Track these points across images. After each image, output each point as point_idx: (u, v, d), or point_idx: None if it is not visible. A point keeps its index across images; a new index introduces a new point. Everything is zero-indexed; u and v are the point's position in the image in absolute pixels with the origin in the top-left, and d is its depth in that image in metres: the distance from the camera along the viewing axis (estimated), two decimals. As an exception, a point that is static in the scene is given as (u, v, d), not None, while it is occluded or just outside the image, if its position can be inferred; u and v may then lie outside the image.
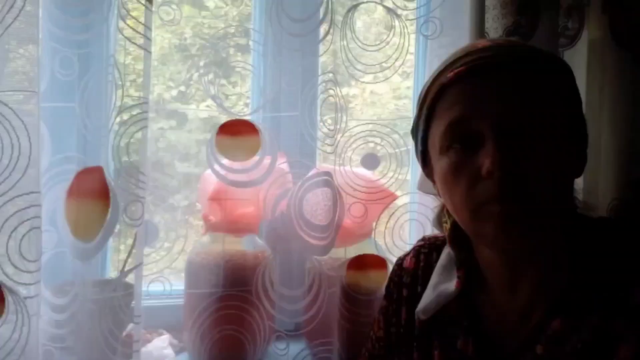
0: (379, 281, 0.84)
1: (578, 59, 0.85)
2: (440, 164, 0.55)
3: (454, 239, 0.61)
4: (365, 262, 0.83)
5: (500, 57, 0.53)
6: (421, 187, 0.68)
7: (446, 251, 0.64)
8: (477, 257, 0.60)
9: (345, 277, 0.82)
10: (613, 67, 0.84)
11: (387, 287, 0.69)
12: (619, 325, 0.49)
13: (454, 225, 0.60)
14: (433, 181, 0.60)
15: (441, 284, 0.60)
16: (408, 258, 0.68)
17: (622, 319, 0.49)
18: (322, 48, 0.83)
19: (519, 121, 0.51)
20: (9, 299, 0.66)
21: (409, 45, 0.84)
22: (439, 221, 0.65)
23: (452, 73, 0.54)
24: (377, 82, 0.88)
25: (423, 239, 0.70)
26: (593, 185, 0.83)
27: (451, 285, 0.59)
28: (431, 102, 0.56)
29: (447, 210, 0.61)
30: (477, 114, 0.52)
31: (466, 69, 0.53)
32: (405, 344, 0.64)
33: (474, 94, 0.52)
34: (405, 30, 0.83)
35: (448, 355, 0.59)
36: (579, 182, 0.60)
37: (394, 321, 0.66)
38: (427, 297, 0.61)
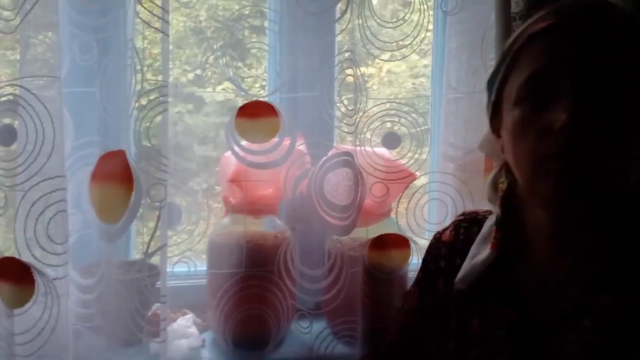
0: (401, 260, 0.84)
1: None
2: (512, 115, 0.54)
3: (505, 200, 0.60)
4: (387, 242, 0.83)
5: (597, 15, 0.51)
6: (482, 148, 0.68)
7: (489, 224, 0.63)
8: (526, 220, 0.59)
9: (368, 257, 0.83)
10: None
11: (424, 259, 0.70)
12: None
13: (510, 185, 0.60)
14: (498, 135, 0.60)
15: (479, 254, 0.61)
16: (447, 231, 0.68)
17: None
18: (338, 27, 0.82)
19: (604, 83, 0.49)
20: (38, 280, 0.68)
21: (427, 22, 0.82)
22: (494, 182, 0.64)
23: (544, 24, 0.52)
24: (394, 61, 0.87)
25: (463, 213, 0.70)
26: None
27: (486, 252, 0.59)
28: (517, 49, 0.55)
29: (506, 171, 0.61)
30: (561, 68, 0.51)
31: (558, 22, 0.52)
32: (441, 313, 0.64)
33: (559, 48, 0.51)
34: (424, 6, 0.82)
35: (487, 324, 0.59)
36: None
37: (430, 292, 0.67)
38: (465, 267, 0.61)
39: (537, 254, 0.58)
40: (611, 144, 0.50)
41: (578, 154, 0.49)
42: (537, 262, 0.58)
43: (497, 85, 0.58)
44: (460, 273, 0.61)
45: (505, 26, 0.79)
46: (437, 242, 0.69)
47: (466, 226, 0.67)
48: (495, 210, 0.62)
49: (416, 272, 0.73)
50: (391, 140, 0.84)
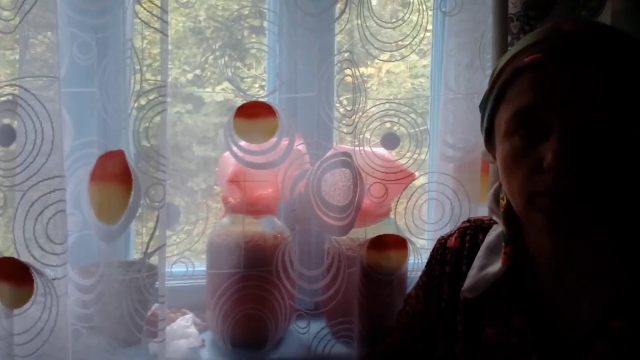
0: (399, 261, 0.84)
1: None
2: (502, 147, 0.55)
3: (508, 215, 0.60)
4: (385, 242, 0.83)
5: (584, 47, 0.50)
6: (485, 156, 0.68)
7: (494, 234, 0.63)
8: (527, 238, 0.59)
9: (366, 257, 0.83)
10: (638, 39, 0.82)
11: (429, 264, 0.70)
12: None
13: (509, 203, 0.59)
14: (493, 157, 0.60)
15: (488, 266, 0.60)
16: (452, 238, 0.68)
17: None
18: (337, 27, 0.82)
19: (590, 118, 0.49)
20: (37, 280, 0.68)
21: (426, 22, 0.82)
22: (495, 197, 0.64)
23: (529, 58, 0.51)
24: (393, 61, 0.87)
25: (468, 220, 0.70)
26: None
27: (498, 265, 0.59)
28: (503, 83, 0.54)
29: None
30: (548, 105, 0.50)
31: (544, 56, 0.51)
32: (446, 318, 0.65)
33: (547, 83, 0.50)
34: (423, 6, 0.82)
35: (504, 333, 0.59)
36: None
37: (435, 297, 0.67)
38: (474, 277, 0.61)
39: (541, 269, 0.58)
40: (601, 176, 0.49)
41: (567, 190, 0.49)
42: (543, 277, 0.58)
43: (488, 113, 0.58)
44: (469, 282, 0.61)
45: (502, 27, 0.79)
46: (442, 247, 0.69)
47: (472, 234, 0.67)
48: (500, 223, 0.62)
49: (413, 273, 0.73)
50: (390, 140, 0.84)
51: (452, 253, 0.67)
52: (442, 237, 0.70)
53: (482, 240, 0.64)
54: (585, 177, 0.49)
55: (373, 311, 0.82)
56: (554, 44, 0.51)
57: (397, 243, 0.83)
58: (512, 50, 0.56)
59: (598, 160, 0.49)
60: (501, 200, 0.62)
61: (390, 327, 0.73)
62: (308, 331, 0.84)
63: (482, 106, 0.60)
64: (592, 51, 0.50)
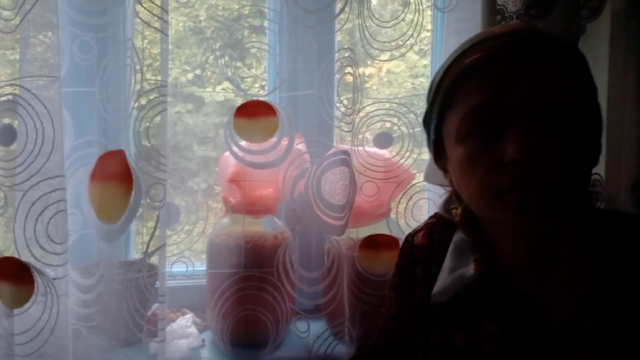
0: (391, 262, 0.83)
1: (601, 31, 0.83)
2: (457, 152, 0.54)
3: (466, 223, 0.60)
4: (377, 243, 0.82)
5: (520, 42, 0.51)
6: (428, 178, 0.67)
7: (460, 234, 0.62)
8: (494, 241, 0.58)
9: (358, 257, 0.82)
10: (637, 38, 0.82)
11: (399, 264, 0.68)
12: None
13: (465, 210, 0.59)
14: (445, 170, 0.59)
15: (459, 269, 0.59)
16: (420, 235, 0.67)
17: None
18: (337, 25, 0.82)
19: (542, 109, 0.49)
20: (38, 280, 0.68)
21: (425, 22, 0.82)
22: (446, 208, 0.64)
23: (471, 59, 0.52)
24: (393, 60, 0.87)
25: (435, 215, 0.68)
26: (616, 159, 0.81)
27: (469, 269, 0.58)
28: (448, 88, 0.54)
29: (457, 197, 0.60)
30: (500, 101, 0.50)
31: (486, 54, 0.51)
32: (421, 322, 0.63)
33: (495, 80, 0.51)
34: (421, 6, 0.82)
35: (474, 338, 0.58)
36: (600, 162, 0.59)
37: (408, 300, 0.65)
38: (444, 281, 0.60)
39: (513, 270, 0.57)
40: (564, 165, 0.49)
41: (533, 183, 0.49)
42: (515, 278, 0.57)
43: (435, 123, 0.57)
44: (438, 286, 0.60)
45: (490, 23, 0.78)
46: (410, 245, 0.67)
47: (439, 230, 0.65)
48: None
49: None
50: (382, 139, 0.84)
51: (421, 251, 0.65)
52: (410, 234, 0.69)
53: (451, 237, 0.63)
54: (548, 168, 0.49)
55: (365, 311, 0.81)
56: (492, 43, 0.52)
57: (390, 243, 0.82)
58: (447, 59, 0.56)
59: (554, 149, 0.49)
60: (455, 211, 0.61)
61: (370, 329, 0.72)
62: (308, 335, 0.83)
63: (426, 120, 0.60)
64: (527, 46, 0.51)
